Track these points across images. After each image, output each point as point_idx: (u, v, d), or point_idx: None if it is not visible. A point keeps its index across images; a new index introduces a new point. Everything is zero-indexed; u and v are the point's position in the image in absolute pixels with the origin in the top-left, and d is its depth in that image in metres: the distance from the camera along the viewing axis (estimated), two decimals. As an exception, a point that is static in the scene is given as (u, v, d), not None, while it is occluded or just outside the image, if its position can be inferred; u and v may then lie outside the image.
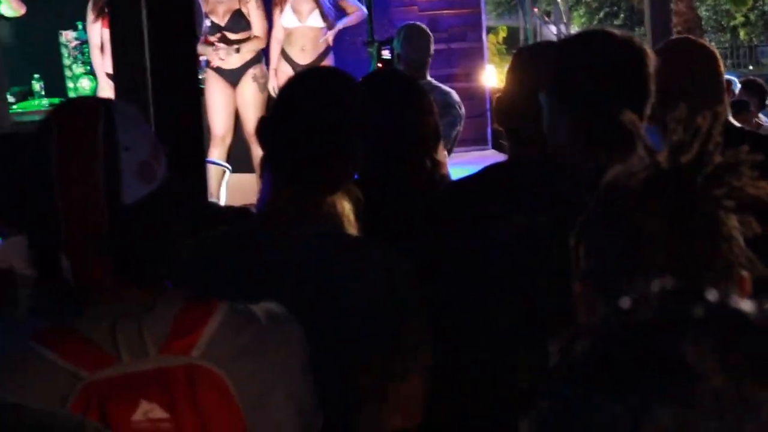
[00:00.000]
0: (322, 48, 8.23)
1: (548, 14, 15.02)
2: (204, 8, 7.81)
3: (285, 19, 8.19)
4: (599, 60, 2.23)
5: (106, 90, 7.69)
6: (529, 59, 2.71)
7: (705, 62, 3.08)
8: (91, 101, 1.82)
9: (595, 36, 2.41)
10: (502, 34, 14.20)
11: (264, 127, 2.27)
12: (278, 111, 2.29)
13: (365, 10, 8.48)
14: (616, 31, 2.35)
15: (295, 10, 8.15)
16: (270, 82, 8.10)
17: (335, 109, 2.23)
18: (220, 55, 7.83)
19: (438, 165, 2.84)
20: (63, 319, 1.66)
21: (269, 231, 2.23)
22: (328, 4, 8.18)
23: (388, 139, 2.74)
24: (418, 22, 7.34)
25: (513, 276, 2.23)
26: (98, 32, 7.78)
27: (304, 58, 8.16)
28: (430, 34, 7.00)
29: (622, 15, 28.40)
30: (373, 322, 2.18)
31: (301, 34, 8.20)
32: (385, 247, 2.29)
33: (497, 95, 2.73)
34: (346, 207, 2.46)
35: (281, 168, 2.24)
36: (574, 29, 10.18)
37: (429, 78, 6.29)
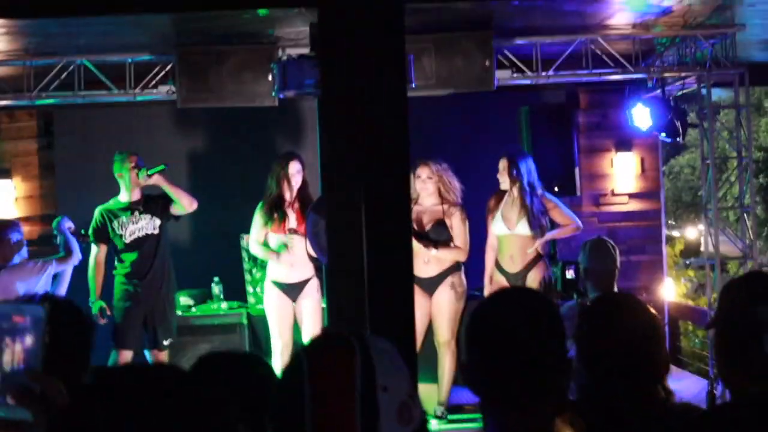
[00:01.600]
0: (531, 256, 8.00)
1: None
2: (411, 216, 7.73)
3: (495, 226, 8.06)
4: None
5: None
6: (746, 296, 2.53)
7: None
8: (345, 336, 1.66)
9: None
10: (680, 246, 13.99)
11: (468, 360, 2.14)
12: (474, 328, 2.18)
13: (580, 223, 8.22)
14: None
15: (504, 218, 8.02)
16: (485, 290, 7.97)
17: (531, 328, 2.09)
18: (418, 255, 7.56)
19: (671, 393, 2.65)
20: None
21: None
22: (538, 210, 7.95)
23: (619, 365, 2.58)
24: (602, 236, 7.21)
25: None
26: (274, 239, 7.83)
27: (513, 266, 7.98)
28: (616, 246, 6.87)
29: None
30: None
31: (510, 242, 8.01)
32: None
33: (716, 336, 2.55)
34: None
35: (485, 391, 2.11)
36: (756, 241, 9.88)
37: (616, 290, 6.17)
